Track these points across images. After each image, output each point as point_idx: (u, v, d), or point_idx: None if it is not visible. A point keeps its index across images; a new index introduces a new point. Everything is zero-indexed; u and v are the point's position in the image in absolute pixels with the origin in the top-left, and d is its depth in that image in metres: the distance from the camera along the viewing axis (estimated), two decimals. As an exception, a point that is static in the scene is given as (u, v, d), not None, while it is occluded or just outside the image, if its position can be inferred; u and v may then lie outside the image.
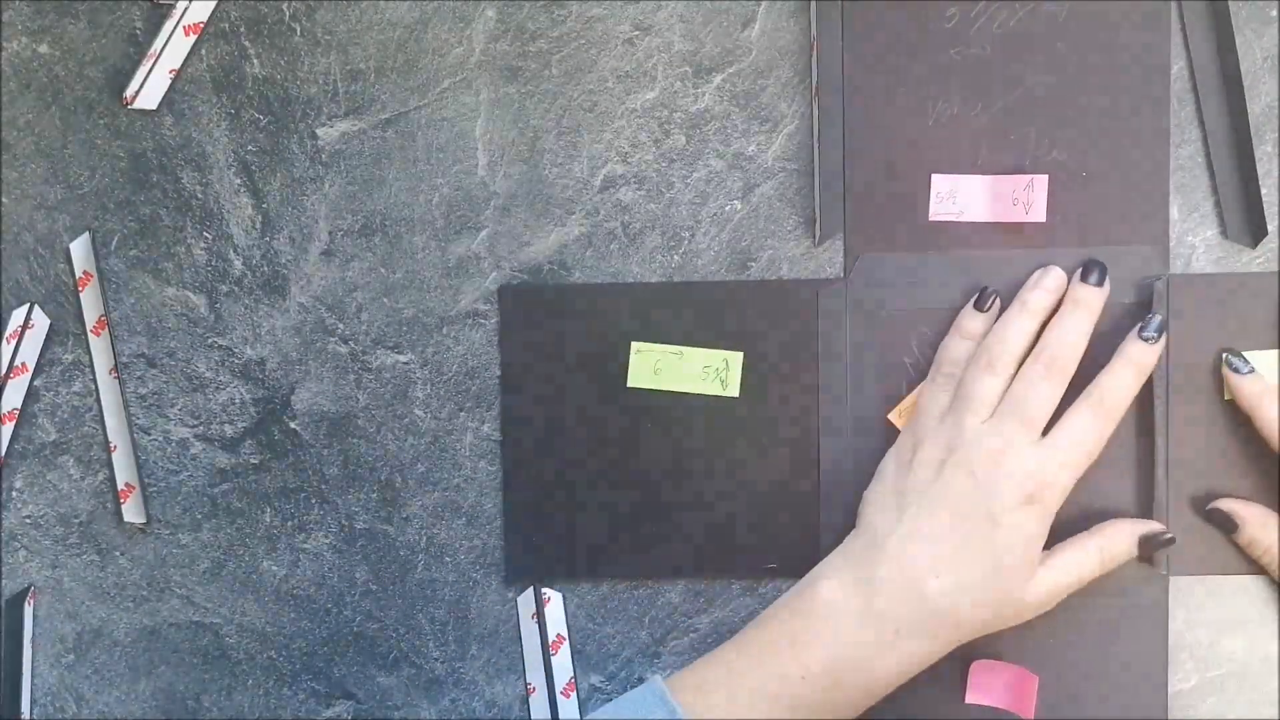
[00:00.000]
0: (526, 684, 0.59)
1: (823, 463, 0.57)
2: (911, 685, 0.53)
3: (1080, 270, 0.53)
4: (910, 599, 0.48)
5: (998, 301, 0.54)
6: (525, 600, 0.58)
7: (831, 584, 0.50)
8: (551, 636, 0.58)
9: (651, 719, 0.48)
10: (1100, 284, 0.52)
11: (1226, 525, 0.54)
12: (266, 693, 0.60)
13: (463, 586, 0.59)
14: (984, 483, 0.49)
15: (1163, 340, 0.52)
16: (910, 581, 0.48)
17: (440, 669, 0.59)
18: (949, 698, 0.56)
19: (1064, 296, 0.53)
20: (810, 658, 0.49)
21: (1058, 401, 0.50)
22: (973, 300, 0.54)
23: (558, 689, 0.58)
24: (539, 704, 0.58)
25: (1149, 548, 0.52)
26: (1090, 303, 0.52)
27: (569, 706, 0.58)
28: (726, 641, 0.52)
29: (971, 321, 0.53)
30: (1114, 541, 0.52)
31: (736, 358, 0.57)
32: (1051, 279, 0.53)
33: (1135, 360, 0.51)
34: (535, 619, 0.58)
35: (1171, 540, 0.53)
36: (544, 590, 0.58)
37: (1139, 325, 0.52)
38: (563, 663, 0.58)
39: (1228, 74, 0.54)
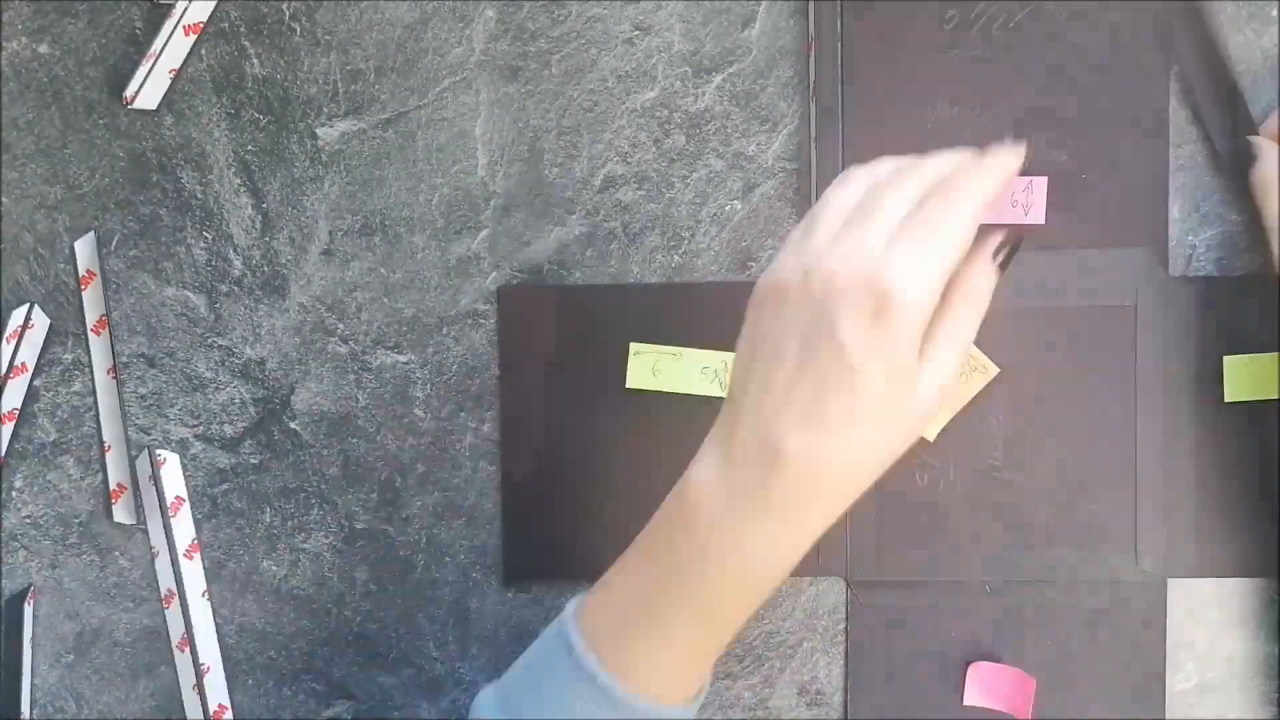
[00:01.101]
0: (150, 547, 0.59)
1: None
2: (910, 686, 0.53)
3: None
4: (771, 466, 0.41)
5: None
6: (142, 462, 0.59)
7: (700, 465, 0.43)
8: (170, 498, 0.59)
9: (570, 685, 0.44)
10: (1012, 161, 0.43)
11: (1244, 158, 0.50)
12: (266, 693, 0.60)
13: (462, 586, 0.59)
14: (825, 304, 0.40)
15: (1023, 146, 0.43)
16: (766, 445, 0.41)
17: (440, 669, 0.60)
18: (947, 700, 0.56)
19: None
20: (686, 553, 0.42)
21: (911, 208, 0.41)
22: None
23: (179, 550, 0.59)
24: (163, 565, 0.59)
25: (1007, 257, 0.43)
26: (997, 168, 0.42)
27: (192, 568, 0.59)
28: (632, 547, 0.46)
29: (858, 169, 0.45)
30: (974, 282, 0.43)
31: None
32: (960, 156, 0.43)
33: (997, 158, 0.42)
34: (151, 480, 0.59)
35: (1021, 237, 0.44)
36: (159, 452, 0.59)
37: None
38: (183, 524, 0.59)
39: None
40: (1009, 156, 0.42)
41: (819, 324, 0.40)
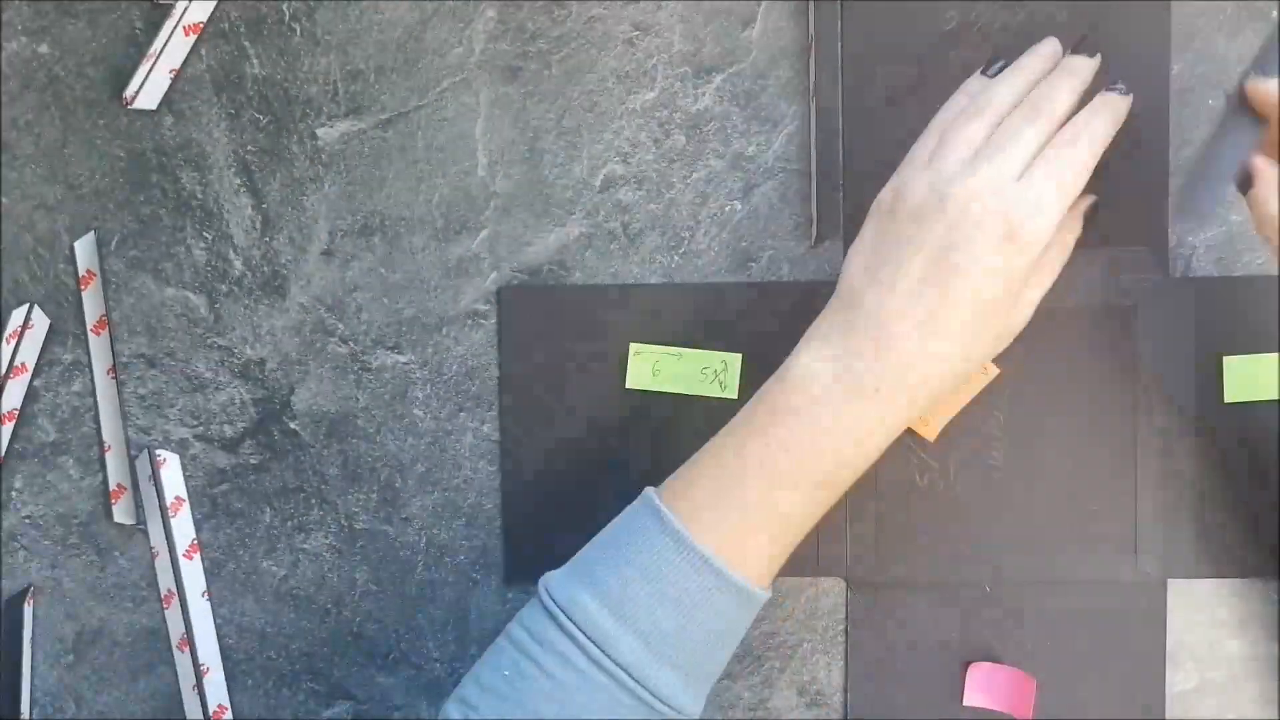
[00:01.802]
0: (150, 547, 0.60)
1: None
2: (910, 686, 0.53)
3: (1073, 45, 0.50)
4: (885, 361, 0.46)
5: (1005, 68, 0.50)
6: (142, 462, 0.60)
7: (810, 350, 0.47)
8: (170, 499, 0.59)
9: (654, 542, 0.47)
10: (1092, 55, 0.50)
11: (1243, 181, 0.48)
12: (266, 693, 0.60)
13: (462, 587, 0.59)
14: (959, 224, 0.45)
15: (1130, 97, 0.49)
16: (883, 344, 0.46)
17: (440, 669, 0.59)
18: (947, 700, 0.56)
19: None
20: (790, 429, 0.47)
21: (1039, 146, 0.47)
22: (981, 68, 0.51)
23: (179, 551, 0.59)
24: (162, 566, 0.60)
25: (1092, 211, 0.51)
26: (1081, 70, 0.49)
27: (192, 568, 0.60)
28: (717, 436, 0.49)
29: (975, 82, 0.51)
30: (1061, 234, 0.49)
31: (735, 359, 0.57)
32: (1046, 46, 0.50)
33: (1112, 106, 0.48)
34: (151, 481, 0.59)
35: (1096, 202, 0.51)
36: (159, 453, 0.59)
37: (1111, 79, 0.49)
38: (183, 524, 0.59)
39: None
40: (1120, 100, 0.48)
41: (950, 246, 0.45)
